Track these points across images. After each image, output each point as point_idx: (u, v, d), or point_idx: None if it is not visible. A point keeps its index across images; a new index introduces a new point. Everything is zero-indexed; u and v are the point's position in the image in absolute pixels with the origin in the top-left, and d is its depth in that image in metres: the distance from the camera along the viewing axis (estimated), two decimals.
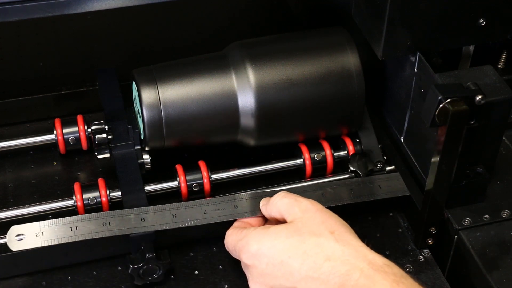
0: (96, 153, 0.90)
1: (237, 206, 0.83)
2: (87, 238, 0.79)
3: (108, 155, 0.89)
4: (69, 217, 0.81)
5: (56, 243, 0.79)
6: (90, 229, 0.80)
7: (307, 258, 0.71)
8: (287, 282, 0.72)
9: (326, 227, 0.73)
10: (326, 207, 0.84)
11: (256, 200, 0.84)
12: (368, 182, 0.88)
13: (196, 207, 0.83)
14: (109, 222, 0.80)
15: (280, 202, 0.78)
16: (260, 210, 0.82)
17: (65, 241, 0.79)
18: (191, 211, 0.83)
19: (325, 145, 0.92)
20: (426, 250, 0.86)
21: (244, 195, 0.85)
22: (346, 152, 0.93)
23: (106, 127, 0.90)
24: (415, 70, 0.83)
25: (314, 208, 0.76)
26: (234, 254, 0.79)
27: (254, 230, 0.76)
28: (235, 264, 0.85)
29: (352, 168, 0.90)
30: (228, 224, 0.83)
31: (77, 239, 0.79)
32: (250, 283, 0.77)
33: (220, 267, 0.85)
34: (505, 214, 0.83)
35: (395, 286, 0.67)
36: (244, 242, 0.76)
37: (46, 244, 0.79)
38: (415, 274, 0.83)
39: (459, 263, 0.82)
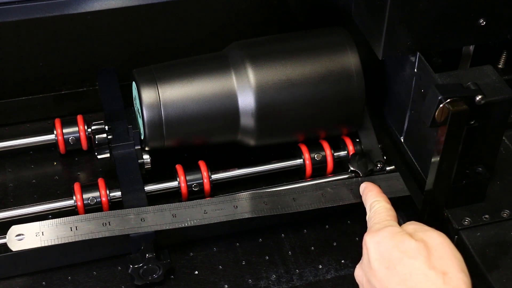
0: (96, 153, 0.90)
1: (237, 206, 0.83)
2: (87, 238, 0.79)
3: (108, 155, 0.89)
4: (69, 217, 0.81)
5: (56, 243, 0.79)
6: (90, 229, 0.80)
7: (408, 280, 0.68)
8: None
9: (443, 264, 0.69)
10: (327, 207, 0.84)
11: (256, 200, 0.84)
12: (369, 181, 0.88)
13: (196, 207, 0.83)
14: (109, 222, 0.80)
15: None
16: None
17: (65, 241, 0.79)
18: (191, 211, 0.83)
19: (325, 145, 0.92)
20: None
21: (244, 195, 0.85)
22: (346, 152, 0.93)
23: (106, 127, 0.90)
24: (415, 70, 0.83)
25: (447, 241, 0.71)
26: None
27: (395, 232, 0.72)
28: (235, 264, 0.85)
29: (352, 168, 0.90)
30: (228, 223, 0.83)
31: (77, 239, 0.79)
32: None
33: (220, 267, 0.85)
34: (505, 214, 0.83)
35: None
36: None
37: (46, 244, 0.79)
38: None
39: None
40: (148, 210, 0.82)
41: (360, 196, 0.86)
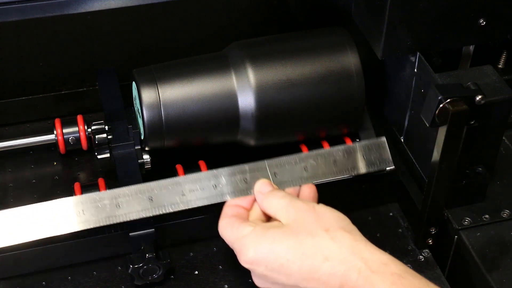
0: (96, 153, 0.90)
1: (216, 186, 0.82)
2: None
3: (108, 155, 0.89)
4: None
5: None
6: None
7: (305, 259, 0.71)
8: (288, 281, 0.72)
9: (320, 225, 0.72)
10: (314, 183, 0.83)
11: (236, 177, 0.82)
12: (352, 151, 0.86)
13: (173, 186, 0.81)
14: (83, 210, 0.78)
15: (276, 202, 0.77)
16: (254, 192, 0.80)
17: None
18: (168, 192, 0.80)
19: (325, 145, 0.92)
20: (426, 250, 0.86)
21: (225, 170, 0.82)
22: None
23: (106, 127, 0.90)
24: (415, 70, 0.83)
25: (307, 206, 0.75)
26: (232, 248, 0.77)
27: (252, 233, 0.74)
28: (235, 264, 0.85)
29: None
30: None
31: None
32: (253, 278, 0.76)
33: (220, 267, 0.85)
34: (505, 214, 0.83)
35: None
36: (241, 245, 0.74)
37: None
38: None
39: (459, 263, 0.82)
40: (124, 193, 0.79)
41: (344, 171, 0.85)
